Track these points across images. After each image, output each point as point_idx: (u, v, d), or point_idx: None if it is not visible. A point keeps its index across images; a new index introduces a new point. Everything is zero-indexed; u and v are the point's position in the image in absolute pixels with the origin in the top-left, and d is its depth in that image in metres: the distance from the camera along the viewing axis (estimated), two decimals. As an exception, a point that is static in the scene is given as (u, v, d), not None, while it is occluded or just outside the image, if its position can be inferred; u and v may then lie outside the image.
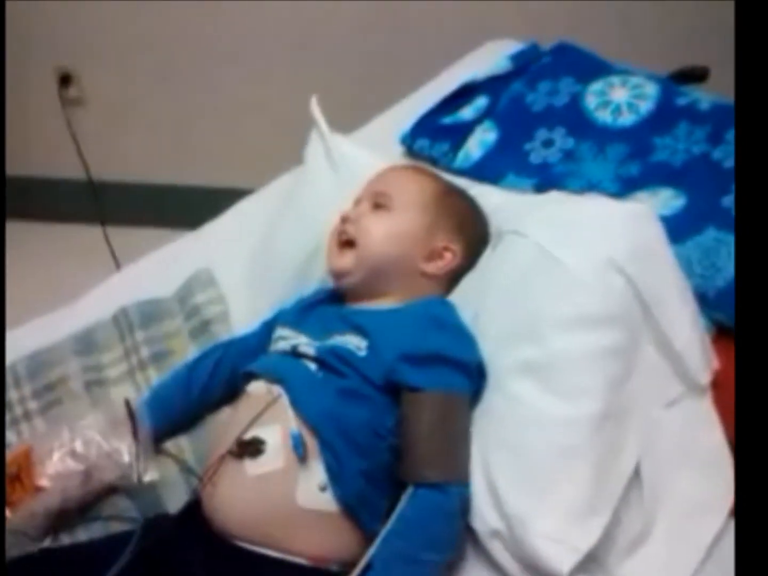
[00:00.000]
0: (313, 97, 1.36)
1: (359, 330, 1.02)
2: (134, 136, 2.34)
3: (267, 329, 1.19)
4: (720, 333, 1.06)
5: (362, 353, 1.00)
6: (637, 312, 0.99)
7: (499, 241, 1.12)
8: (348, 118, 1.42)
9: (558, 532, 0.90)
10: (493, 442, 0.97)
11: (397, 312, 1.06)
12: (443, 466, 0.95)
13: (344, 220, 1.13)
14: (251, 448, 0.96)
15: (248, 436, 0.96)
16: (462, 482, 0.95)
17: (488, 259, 1.12)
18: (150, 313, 1.30)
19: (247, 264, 1.33)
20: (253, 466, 0.95)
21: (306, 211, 1.29)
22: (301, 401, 0.98)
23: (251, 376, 1.07)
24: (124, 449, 1.09)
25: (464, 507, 0.95)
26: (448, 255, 1.12)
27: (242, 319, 1.26)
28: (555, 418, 0.94)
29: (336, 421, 0.96)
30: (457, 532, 0.95)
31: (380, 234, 1.10)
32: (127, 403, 1.11)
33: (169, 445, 1.16)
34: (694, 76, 1.62)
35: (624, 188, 1.24)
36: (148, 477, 1.08)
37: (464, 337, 1.02)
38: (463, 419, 0.98)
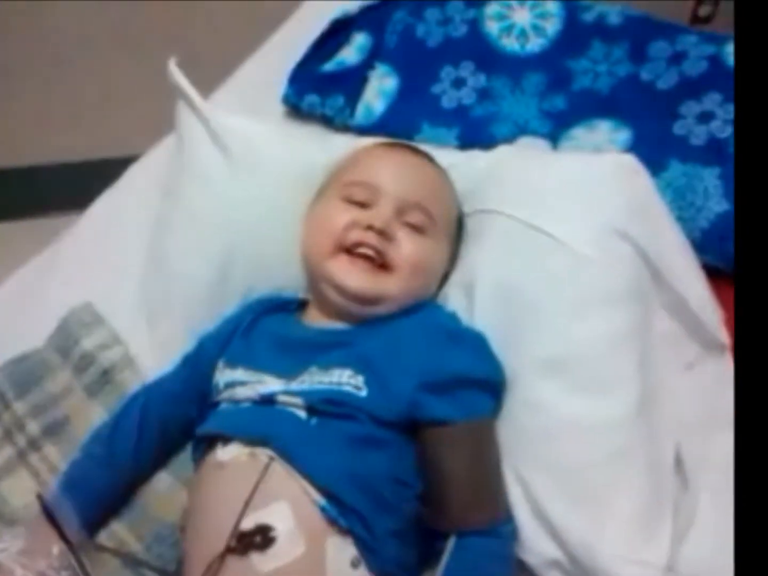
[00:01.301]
0: (171, 60, 1.08)
1: (350, 361, 0.83)
2: None
3: (193, 367, 0.96)
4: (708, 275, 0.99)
5: (363, 393, 0.81)
6: (647, 277, 0.89)
7: (465, 224, 0.97)
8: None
9: (630, 550, 0.80)
10: (528, 461, 0.84)
11: (394, 329, 0.87)
12: (489, 506, 0.82)
13: (378, 231, 0.88)
14: (257, 538, 0.76)
15: (248, 524, 0.76)
16: (509, 518, 0.83)
17: (461, 248, 0.96)
18: (23, 374, 1.01)
19: (137, 290, 1.05)
20: (264, 560, 0.75)
21: (202, 212, 1.02)
22: (304, 462, 0.78)
23: (213, 439, 0.85)
24: (57, 564, 0.84)
25: (514, 543, 0.83)
26: (445, 278, 0.96)
27: (150, 362, 1.01)
28: (592, 421, 0.83)
29: (354, 477, 0.78)
30: (511, 572, 0.82)
31: (427, 266, 0.91)
32: (41, 500, 0.86)
33: (104, 536, 0.92)
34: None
35: (556, 126, 1.12)
36: None
37: (484, 350, 0.87)
38: (495, 445, 0.85)
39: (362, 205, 0.91)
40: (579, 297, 0.86)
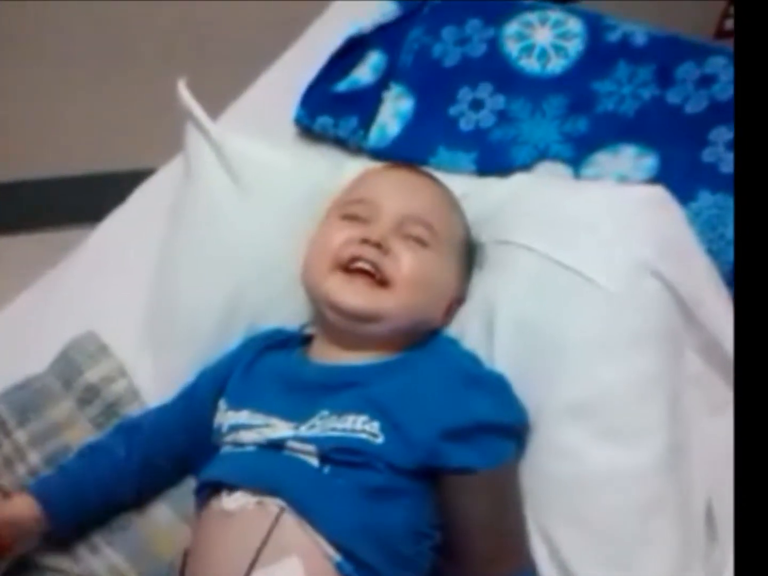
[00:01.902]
0: (180, 80, 1.05)
1: (364, 405, 0.79)
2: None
3: (187, 401, 0.93)
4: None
5: (379, 440, 0.77)
6: (677, 317, 0.84)
7: (482, 257, 0.93)
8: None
9: None
10: (553, 512, 0.81)
11: (410, 368, 0.83)
12: (512, 558, 0.78)
13: (374, 244, 0.85)
14: None
15: None
16: (533, 568, 0.79)
17: (479, 281, 0.92)
18: (25, 402, 0.99)
19: (142, 319, 1.02)
20: None
21: (210, 241, 0.99)
22: (317, 514, 0.74)
23: (217, 486, 0.81)
24: None
25: None
26: (456, 306, 0.92)
27: (155, 395, 0.97)
28: (620, 471, 0.80)
29: (371, 531, 0.74)
30: None
31: (427, 280, 0.86)
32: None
33: (103, 570, 0.89)
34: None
35: (578, 150, 1.07)
36: None
37: (506, 394, 0.83)
38: (517, 492, 0.81)
39: (361, 222, 0.88)
40: (606, 337, 0.82)
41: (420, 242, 0.87)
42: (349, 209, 0.90)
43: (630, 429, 0.80)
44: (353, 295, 0.84)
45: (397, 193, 0.90)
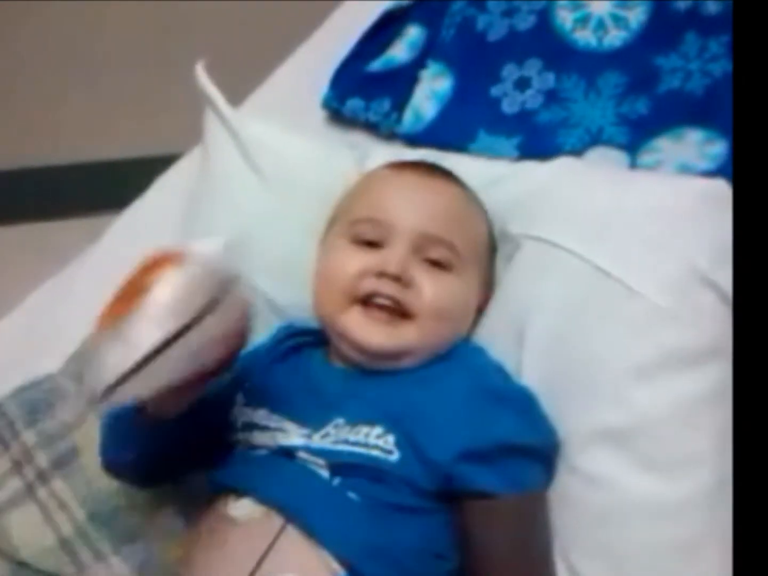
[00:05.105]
0: (198, 63, 0.98)
1: (380, 416, 0.73)
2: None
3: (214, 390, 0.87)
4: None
5: (394, 456, 0.71)
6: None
7: (513, 249, 0.83)
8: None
9: None
10: (581, 546, 0.72)
11: (432, 379, 0.76)
12: None
13: (393, 278, 0.76)
14: None
15: None
16: None
17: (510, 281, 0.82)
18: (34, 401, 0.96)
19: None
20: None
21: (227, 236, 0.90)
22: (323, 530, 0.69)
23: (225, 489, 0.76)
24: None
25: None
26: (484, 307, 0.84)
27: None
28: (660, 504, 0.71)
29: (380, 550, 0.69)
30: None
31: (454, 308, 0.79)
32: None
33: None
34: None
35: (636, 135, 0.96)
36: None
37: (534, 412, 0.75)
38: (546, 523, 0.74)
39: (373, 245, 0.79)
40: (652, 356, 0.72)
41: (442, 267, 0.78)
42: (359, 231, 0.81)
43: (673, 459, 0.71)
44: (375, 333, 0.77)
45: (409, 206, 0.80)
